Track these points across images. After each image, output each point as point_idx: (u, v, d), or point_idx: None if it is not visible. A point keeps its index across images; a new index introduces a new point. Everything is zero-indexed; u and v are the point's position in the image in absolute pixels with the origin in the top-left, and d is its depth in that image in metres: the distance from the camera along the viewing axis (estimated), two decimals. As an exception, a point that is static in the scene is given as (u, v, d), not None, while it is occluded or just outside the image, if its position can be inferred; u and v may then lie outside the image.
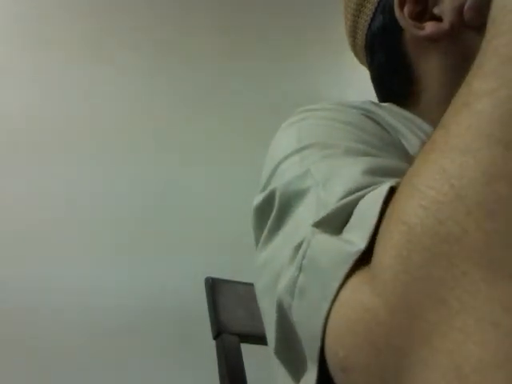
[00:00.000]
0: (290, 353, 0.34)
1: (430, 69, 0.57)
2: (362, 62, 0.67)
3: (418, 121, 0.54)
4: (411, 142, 0.49)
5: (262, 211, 0.42)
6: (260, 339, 0.79)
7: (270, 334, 0.36)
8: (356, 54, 0.68)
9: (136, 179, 1.86)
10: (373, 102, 0.57)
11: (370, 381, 0.24)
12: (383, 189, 0.28)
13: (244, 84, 2.13)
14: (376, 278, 0.25)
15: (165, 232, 1.81)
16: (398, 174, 0.34)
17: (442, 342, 0.21)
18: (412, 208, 0.24)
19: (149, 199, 1.84)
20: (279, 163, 0.44)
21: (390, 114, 0.54)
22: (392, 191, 0.28)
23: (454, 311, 0.21)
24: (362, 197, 0.31)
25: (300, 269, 0.31)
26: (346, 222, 0.31)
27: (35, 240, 1.67)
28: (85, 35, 1.99)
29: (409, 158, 0.46)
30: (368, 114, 0.50)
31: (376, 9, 0.60)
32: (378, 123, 0.49)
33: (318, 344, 0.28)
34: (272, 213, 0.40)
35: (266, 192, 0.42)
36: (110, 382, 1.56)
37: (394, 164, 0.38)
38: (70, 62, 1.94)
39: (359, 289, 0.26)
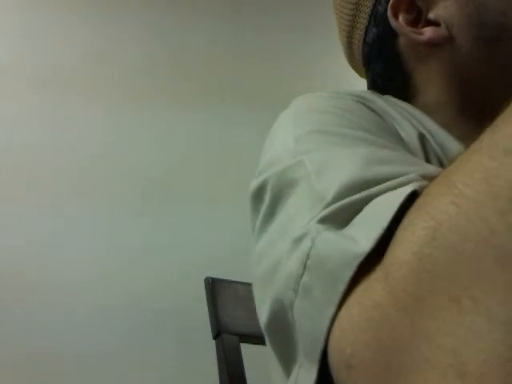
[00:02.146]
0: (281, 340, 0.34)
1: (429, 74, 0.57)
2: (362, 76, 0.68)
3: (417, 112, 0.55)
4: (405, 129, 0.49)
5: (256, 199, 0.43)
6: (260, 339, 0.79)
7: (263, 314, 0.36)
8: (355, 69, 0.68)
9: (136, 178, 1.86)
10: (372, 92, 0.57)
11: (373, 379, 0.24)
12: (404, 191, 0.28)
13: (243, 83, 2.13)
14: (389, 275, 0.24)
15: (164, 232, 1.81)
16: (393, 164, 0.34)
17: (447, 340, 0.21)
18: (444, 204, 0.24)
19: (149, 198, 1.84)
20: (275, 151, 0.44)
21: (387, 102, 0.54)
22: (413, 196, 0.27)
23: (466, 310, 0.21)
24: (375, 195, 0.30)
25: (304, 267, 0.30)
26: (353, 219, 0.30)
27: (35, 239, 1.68)
28: (85, 35, 2.00)
29: (404, 145, 0.46)
30: (363, 101, 0.50)
31: (368, 22, 0.60)
32: (372, 110, 0.49)
33: (321, 345, 0.27)
34: (265, 201, 0.41)
35: (260, 179, 0.42)
36: (109, 381, 1.56)
37: (390, 154, 0.38)
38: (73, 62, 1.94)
39: (370, 286, 0.25)
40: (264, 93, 2.11)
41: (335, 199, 0.32)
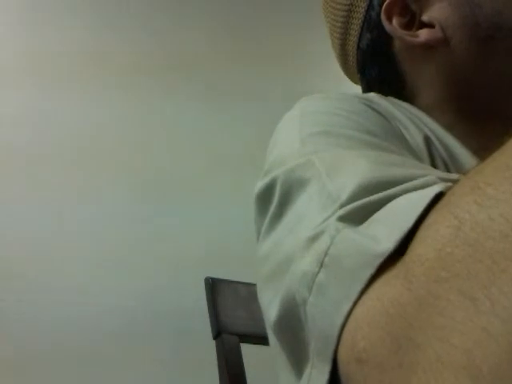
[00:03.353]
0: (291, 340, 0.34)
1: (425, 76, 0.57)
2: (356, 83, 0.68)
3: (420, 113, 0.55)
4: (411, 132, 0.49)
5: (263, 199, 0.42)
6: (260, 339, 0.79)
7: (272, 313, 0.36)
8: (349, 76, 0.68)
9: (135, 178, 1.86)
10: (377, 94, 0.57)
11: (383, 375, 0.23)
12: (430, 192, 0.28)
13: (243, 83, 2.13)
14: (409, 272, 0.24)
15: (164, 232, 1.81)
16: (404, 167, 0.34)
17: (463, 340, 0.21)
18: (467, 203, 0.24)
19: (149, 198, 1.84)
20: (282, 150, 0.44)
21: (392, 103, 0.54)
22: (438, 197, 0.27)
23: (482, 310, 0.20)
24: (394, 196, 0.30)
25: (321, 265, 0.30)
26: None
27: (35, 239, 1.68)
28: (86, 37, 2.00)
29: (409, 148, 0.46)
30: (368, 103, 0.50)
31: (362, 28, 0.60)
32: (378, 112, 0.49)
33: (334, 343, 0.27)
34: (273, 201, 0.40)
35: (268, 179, 0.42)
36: (109, 381, 1.56)
37: (397, 159, 0.37)
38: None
39: (389, 282, 0.25)
40: (264, 93, 2.11)
41: (351, 199, 0.32)
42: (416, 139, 0.48)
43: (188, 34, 2.13)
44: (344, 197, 0.32)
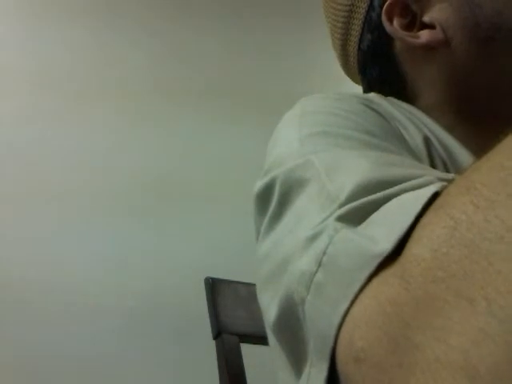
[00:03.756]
0: (290, 339, 0.34)
1: (425, 77, 0.57)
2: (357, 83, 0.68)
3: (420, 114, 0.55)
4: (410, 132, 0.49)
5: (263, 198, 0.42)
6: (260, 339, 0.79)
7: (271, 313, 0.36)
8: (350, 77, 0.68)
9: (136, 178, 1.86)
10: (377, 94, 0.57)
11: (381, 375, 0.23)
12: (427, 192, 0.28)
13: (243, 83, 2.13)
14: (406, 272, 0.24)
15: (164, 232, 1.81)
16: (403, 167, 0.34)
17: (460, 340, 0.21)
18: (463, 204, 0.24)
19: (149, 198, 1.84)
20: (281, 150, 0.44)
21: (391, 104, 0.54)
22: (434, 197, 0.27)
23: (479, 310, 0.21)
24: (393, 196, 0.30)
25: (319, 264, 0.30)
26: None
27: (35, 239, 1.68)
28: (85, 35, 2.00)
29: (409, 148, 0.46)
30: (368, 103, 0.50)
31: (362, 29, 0.60)
32: (377, 112, 0.49)
33: (332, 342, 0.27)
34: (273, 201, 0.40)
35: (267, 179, 0.42)
36: (109, 381, 1.56)
37: (396, 159, 0.37)
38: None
39: (387, 281, 0.25)
40: (264, 93, 2.11)
41: (349, 199, 0.32)
42: (415, 140, 0.48)
43: (188, 34, 2.14)
44: (343, 197, 0.32)
